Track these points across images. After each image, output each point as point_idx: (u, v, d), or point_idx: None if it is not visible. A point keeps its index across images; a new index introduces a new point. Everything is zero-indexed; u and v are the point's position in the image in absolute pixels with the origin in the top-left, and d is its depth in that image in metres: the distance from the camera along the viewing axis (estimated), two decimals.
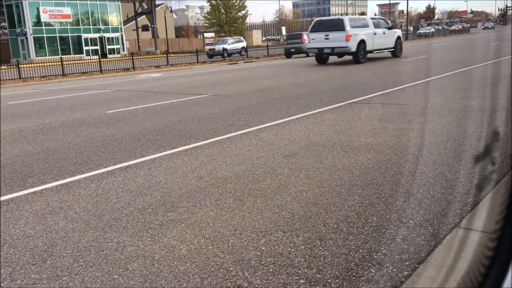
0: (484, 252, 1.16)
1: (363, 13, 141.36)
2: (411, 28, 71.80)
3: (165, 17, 58.97)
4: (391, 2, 79.03)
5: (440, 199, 3.91)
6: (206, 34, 65.56)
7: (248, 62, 31.78)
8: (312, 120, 7.87)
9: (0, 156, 6.16)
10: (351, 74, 16.61)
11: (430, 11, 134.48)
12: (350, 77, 15.49)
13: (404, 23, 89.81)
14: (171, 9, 68.48)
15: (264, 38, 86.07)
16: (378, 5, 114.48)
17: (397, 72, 16.95)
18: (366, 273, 2.81)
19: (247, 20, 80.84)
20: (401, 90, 11.05)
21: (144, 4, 56.56)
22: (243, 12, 74.94)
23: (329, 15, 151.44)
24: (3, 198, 4.58)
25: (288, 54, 32.90)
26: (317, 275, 2.82)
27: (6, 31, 50.34)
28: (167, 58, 30.70)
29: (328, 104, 9.39)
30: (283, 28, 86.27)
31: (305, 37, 29.62)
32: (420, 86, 11.63)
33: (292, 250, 3.15)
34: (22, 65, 25.54)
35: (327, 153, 5.63)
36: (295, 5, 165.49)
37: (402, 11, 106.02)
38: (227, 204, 4.08)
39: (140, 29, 53.98)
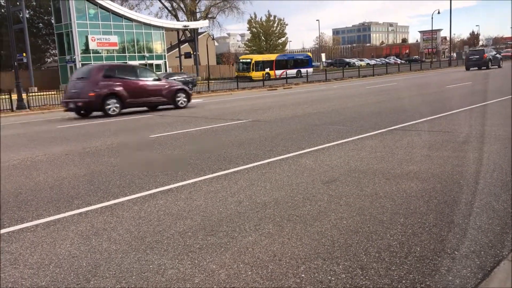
0: None
1: (404, 40, 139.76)
2: (454, 55, 70.52)
3: (207, 45, 60.45)
4: (434, 28, 77.96)
5: (487, 230, 3.76)
6: None
7: (287, 88, 32.01)
8: (352, 146, 7.80)
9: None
10: (390, 100, 16.41)
11: (474, 37, 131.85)
12: (390, 103, 15.30)
13: (447, 50, 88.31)
14: (213, 36, 70.21)
15: None
16: (420, 32, 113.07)
17: (444, 97, 16.63)
18: None
19: (287, 47, 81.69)
20: (445, 116, 10.81)
21: (187, 32, 58.28)
22: (283, 39, 75.86)
23: (369, 42, 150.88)
24: (47, 219, 4.75)
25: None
26: None
27: (56, 58, 52.91)
28: (208, 84, 31.36)
29: (368, 131, 9.29)
30: (323, 55, 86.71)
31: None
32: (464, 113, 11.36)
33: (333, 278, 3.10)
34: None
35: (368, 180, 5.55)
36: (335, 32, 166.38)
37: (445, 38, 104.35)
38: (266, 229, 4.08)
39: (183, 56, 55.51)
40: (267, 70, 48.98)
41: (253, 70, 47.91)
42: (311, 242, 3.72)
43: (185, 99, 18.55)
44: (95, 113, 16.70)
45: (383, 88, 24.63)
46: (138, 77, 17.24)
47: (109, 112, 16.06)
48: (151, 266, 3.44)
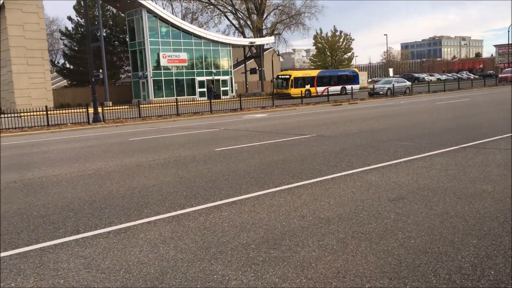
0: None
1: (477, 54, 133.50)
2: None
3: (272, 60, 61.09)
4: (511, 42, 73.82)
5: None
6: None
7: (352, 103, 31.55)
8: (421, 163, 7.53)
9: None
10: (462, 117, 15.69)
11: None
12: (462, 120, 14.63)
13: None
14: (278, 52, 70.85)
15: (370, 80, 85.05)
16: (495, 46, 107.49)
17: None
18: None
19: (353, 62, 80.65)
20: None
21: (253, 48, 59.28)
22: (349, 54, 75.02)
23: (440, 56, 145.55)
24: (119, 227, 4.97)
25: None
26: None
27: (129, 74, 55.70)
28: (273, 100, 31.59)
29: (439, 148, 8.94)
30: (391, 70, 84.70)
31: None
32: None
33: None
34: (142, 105, 27.89)
35: (438, 198, 5.33)
36: (403, 47, 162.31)
37: None
38: (330, 245, 4.02)
39: (248, 72, 56.43)
40: (308, 87, 45.59)
41: (291, 87, 44.68)
42: (376, 261, 3.63)
43: None
44: None
45: (455, 104, 23.62)
46: None
47: None
48: (215, 276, 3.50)
